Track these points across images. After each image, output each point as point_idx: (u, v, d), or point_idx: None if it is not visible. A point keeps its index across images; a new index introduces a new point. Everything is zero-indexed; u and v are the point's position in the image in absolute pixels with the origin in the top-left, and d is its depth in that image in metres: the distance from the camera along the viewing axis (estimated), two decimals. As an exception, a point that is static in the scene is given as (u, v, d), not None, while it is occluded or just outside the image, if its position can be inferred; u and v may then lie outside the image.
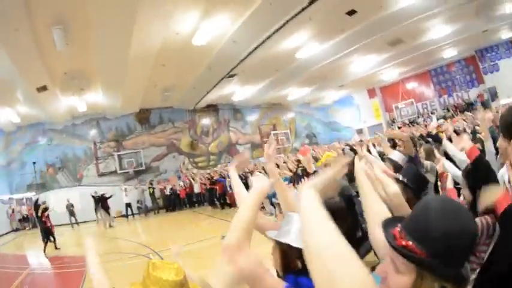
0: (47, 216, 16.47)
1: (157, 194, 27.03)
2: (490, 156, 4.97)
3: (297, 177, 11.55)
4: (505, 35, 23.70)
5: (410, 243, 1.35)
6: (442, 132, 9.78)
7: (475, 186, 3.14)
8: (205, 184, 23.30)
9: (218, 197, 21.73)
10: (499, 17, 19.28)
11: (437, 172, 5.62)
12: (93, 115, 27.06)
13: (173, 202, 25.68)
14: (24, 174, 25.76)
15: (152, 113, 29.70)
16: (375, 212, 1.99)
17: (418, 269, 1.33)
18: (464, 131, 10.30)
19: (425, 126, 17.45)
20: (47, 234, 15.53)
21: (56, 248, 15.57)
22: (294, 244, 1.99)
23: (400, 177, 3.53)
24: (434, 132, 11.94)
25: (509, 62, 24.90)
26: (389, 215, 1.92)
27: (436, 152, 6.56)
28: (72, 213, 23.10)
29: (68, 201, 23.13)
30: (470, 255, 1.43)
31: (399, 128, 23.60)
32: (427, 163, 5.67)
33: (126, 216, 24.42)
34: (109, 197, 22.53)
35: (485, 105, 23.79)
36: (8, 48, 13.68)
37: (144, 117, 29.48)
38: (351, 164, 2.20)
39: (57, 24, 13.27)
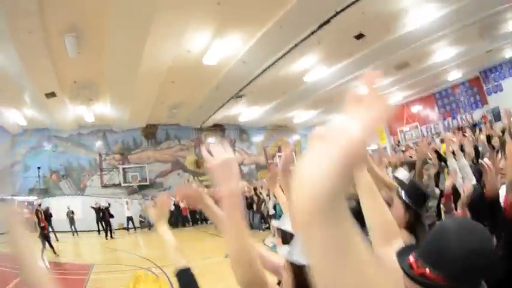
0: (47, 221, 16.57)
1: (160, 210, 26.89)
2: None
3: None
4: (508, 53, 23.58)
5: (427, 270, 1.36)
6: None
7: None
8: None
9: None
10: (503, 35, 19.24)
11: (440, 195, 5.69)
12: (100, 126, 27.18)
13: (176, 218, 25.55)
14: (27, 178, 25.81)
15: (159, 128, 29.83)
16: (380, 223, 1.85)
17: None
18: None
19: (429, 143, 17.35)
20: (44, 239, 15.59)
21: (55, 253, 15.64)
22: (299, 263, 1.99)
23: (403, 196, 3.60)
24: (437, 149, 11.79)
25: (512, 81, 24.90)
26: (394, 224, 1.89)
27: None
28: (72, 221, 23.14)
29: (68, 209, 23.16)
30: (488, 274, 1.39)
31: (403, 151, 23.59)
32: (432, 187, 5.70)
33: (127, 229, 24.46)
34: (106, 207, 22.66)
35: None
36: (20, 50, 13.78)
37: (150, 133, 29.60)
38: None
39: (70, 32, 13.42)
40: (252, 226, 18.60)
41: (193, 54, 16.58)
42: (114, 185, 27.80)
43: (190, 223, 25.59)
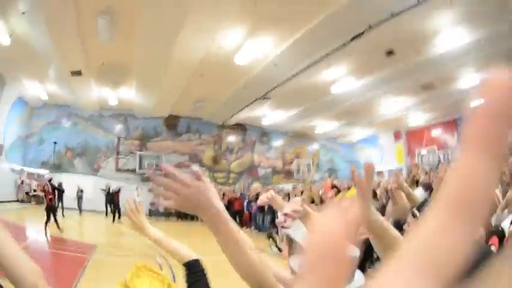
0: (58, 196, 16.69)
1: (171, 200, 26.87)
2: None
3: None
4: None
5: None
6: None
7: None
8: (222, 199, 23.25)
9: (234, 214, 21.67)
10: None
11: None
12: (122, 110, 27.39)
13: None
14: (41, 151, 26.18)
15: (181, 120, 29.93)
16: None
17: None
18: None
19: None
20: (50, 212, 15.63)
21: (59, 228, 15.69)
22: None
23: (415, 211, 3.58)
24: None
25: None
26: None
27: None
28: (79, 200, 23.25)
29: (78, 187, 23.34)
30: None
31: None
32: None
33: (135, 215, 24.49)
34: (117, 191, 22.74)
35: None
36: (50, 25, 14.04)
37: (172, 123, 29.70)
38: None
39: (104, 14, 13.54)
40: (260, 228, 18.48)
41: (224, 51, 16.69)
42: (129, 170, 27.98)
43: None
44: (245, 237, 1.63)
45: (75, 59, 17.35)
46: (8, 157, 23.68)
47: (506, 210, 4.97)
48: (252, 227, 19.27)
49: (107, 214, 22.97)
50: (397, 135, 33.35)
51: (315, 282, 0.47)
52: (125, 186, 24.26)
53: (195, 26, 13.88)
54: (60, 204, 20.30)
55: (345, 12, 13.09)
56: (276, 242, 13.74)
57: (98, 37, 14.89)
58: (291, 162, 34.35)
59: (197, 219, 24.36)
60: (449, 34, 15.15)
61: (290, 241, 2.50)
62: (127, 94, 23.31)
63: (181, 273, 2.21)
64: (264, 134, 33.79)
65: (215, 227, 1.42)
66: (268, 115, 28.27)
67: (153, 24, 13.90)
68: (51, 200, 16.15)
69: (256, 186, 26.04)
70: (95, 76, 20.13)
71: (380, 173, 32.69)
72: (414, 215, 3.35)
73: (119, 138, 28.28)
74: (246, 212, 20.22)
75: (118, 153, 28.20)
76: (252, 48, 16.14)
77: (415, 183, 10.44)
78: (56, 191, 19.12)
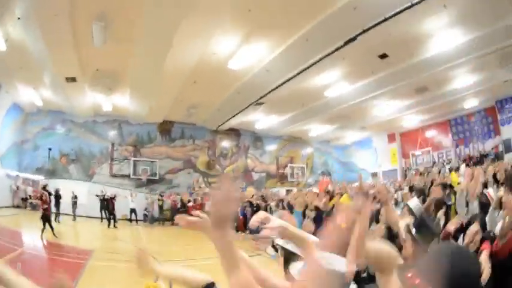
0: (56, 203, 16.71)
1: (166, 206, 26.97)
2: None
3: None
4: None
5: (420, 281, 1.55)
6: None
7: None
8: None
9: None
10: None
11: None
12: (116, 117, 27.50)
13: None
14: (36, 157, 26.16)
15: (175, 126, 30.02)
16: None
17: None
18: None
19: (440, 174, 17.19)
20: (45, 221, 15.68)
21: (54, 235, 15.71)
22: None
23: (412, 231, 3.65)
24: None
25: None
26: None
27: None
28: (74, 206, 23.23)
29: (72, 193, 23.28)
30: None
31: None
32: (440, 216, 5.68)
33: (130, 220, 24.55)
34: (113, 198, 22.76)
35: (499, 157, 23.42)
36: (45, 32, 14.07)
37: (166, 129, 29.77)
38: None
39: (98, 20, 13.56)
40: (255, 233, 18.48)
41: (218, 57, 16.73)
42: (123, 176, 28.04)
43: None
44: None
45: (70, 65, 17.33)
46: (3, 163, 23.60)
47: (500, 213, 5.06)
48: (247, 231, 19.30)
49: (102, 220, 22.95)
50: (391, 137, 33.50)
51: None
52: (119, 192, 24.30)
53: (189, 33, 13.92)
54: (56, 210, 20.34)
55: (338, 16, 13.16)
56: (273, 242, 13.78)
57: (92, 44, 14.91)
58: (285, 166, 34.43)
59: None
60: (443, 36, 15.22)
61: (285, 252, 2.57)
62: (121, 100, 23.30)
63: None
64: (258, 139, 33.91)
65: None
66: (262, 120, 28.38)
67: (147, 31, 13.94)
68: (46, 210, 16.17)
69: (250, 190, 26.12)
70: (89, 82, 20.10)
71: (375, 175, 32.88)
72: (409, 231, 3.45)
73: (112, 144, 28.24)
74: (240, 216, 20.24)
75: (112, 159, 28.14)
76: (245, 54, 16.19)
77: (411, 188, 10.57)
78: (54, 198, 19.19)
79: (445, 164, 27.87)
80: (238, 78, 18.95)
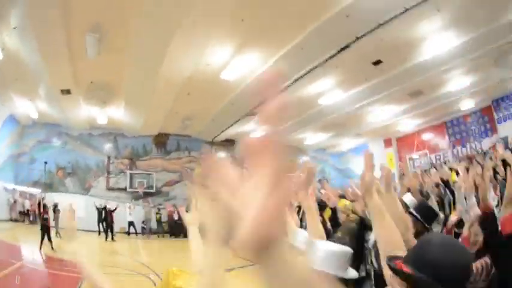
0: (54, 217, 16.65)
1: (163, 218, 26.97)
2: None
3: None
4: None
5: (406, 266, 1.58)
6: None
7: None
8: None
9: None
10: None
11: (443, 224, 5.71)
12: (111, 129, 27.35)
13: (179, 228, 25.38)
14: (32, 170, 26.04)
15: (170, 138, 29.94)
16: (388, 249, 2.10)
17: (409, 286, 1.51)
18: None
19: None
20: (45, 231, 15.65)
21: (52, 249, 15.66)
22: (317, 268, 2.15)
23: (412, 211, 3.71)
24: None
25: (523, 109, 24.67)
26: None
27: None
28: (71, 217, 23.09)
29: (69, 206, 23.08)
30: (461, 283, 1.58)
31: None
32: (441, 215, 5.72)
33: (128, 233, 24.48)
34: (113, 210, 22.70)
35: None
36: (41, 44, 14.01)
37: (161, 142, 29.72)
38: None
39: (92, 32, 13.56)
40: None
41: (212, 68, 16.70)
42: (120, 189, 27.91)
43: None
44: None
45: (65, 77, 17.25)
46: (0, 176, 23.55)
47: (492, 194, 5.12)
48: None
49: (99, 233, 22.89)
50: (387, 143, 33.52)
51: None
52: (118, 205, 24.24)
53: (183, 44, 13.90)
54: (56, 224, 20.29)
55: (332, 24, 13.16)
56: None
57: (86, 56, 14.91)
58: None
59: (188, 237, 24.32)
60: (436, 40, 15.22)
61: None
62: (116, 113, 23.25)
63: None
64: (253, 149, 33.67)
65: None
66: (257, 130, 28.18)
67: (141, 43, 13.92)
68: (46, 220, 16.16)
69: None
70: (83, 95, 20.05)
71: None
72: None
73: (109, 158, 28.21)
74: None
75: (108, 172, 28.12)
76: (239, 64, 16.16)
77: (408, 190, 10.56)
78: (52, 212, 19.18)
79: (442, 164, 27.94)
80: (233, 89, 18.91)
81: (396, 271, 1.59)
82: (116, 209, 23.12)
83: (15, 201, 24.66)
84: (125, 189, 27.95)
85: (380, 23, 13.22)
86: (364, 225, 4.14)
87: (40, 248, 14.91)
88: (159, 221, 26.73)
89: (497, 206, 5.64)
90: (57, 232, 19.90)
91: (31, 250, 15.07)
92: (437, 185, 9.10)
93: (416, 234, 3.27)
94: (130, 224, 24.56)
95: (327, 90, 20.12)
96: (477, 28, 14.49)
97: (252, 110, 21.68)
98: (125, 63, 15.89)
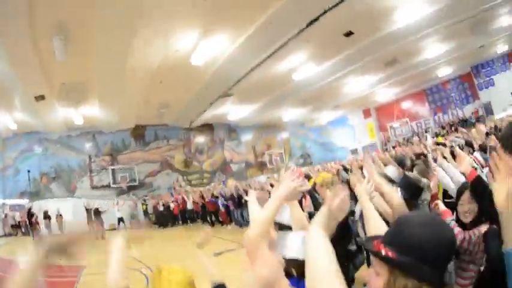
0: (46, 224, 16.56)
1: (150, 210, 26.87)
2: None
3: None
4: (500, 49, 23.81)
5: (385, 247, 1.52)
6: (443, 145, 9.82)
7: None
8: (197, 203, 23.18)
9: (210, 214, 21.68)
10: (495, 31, 19.49)
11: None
12: (89, 128, 26.99)
13: (166, 218, 25.48)
14: (18, 181, 25.77)
15: (147, 129, 29.80)
16: (377, 228, 2.20)
17: (390, 268, 1.47)
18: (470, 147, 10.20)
19: (421, 143, 17.32)
20: None
21: None
22: (289, 256, 2.18)
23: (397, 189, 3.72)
24: (430, 150, 11.72)
25: (505, 76, 24.95)
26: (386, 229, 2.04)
27: (432, 166, 6.54)
28: (60, 224, 22.95)
29: (57, 211, 23.01)
30: (445, 261, 1.55)
31: (393, 147, 23.48)
32: (424, 180, 5.75)
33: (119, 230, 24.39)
34: (102, 212, 22.59)
35: (480, 121, 23.72)
36: (9, 54, 13.76)
37: (139, 134, 29.54)
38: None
39: (58, 34, 13.32)
40: (241, 224, 18.38)
41: (181, 54, 16.44)
42: (104, 186, 27.72)
43: (180, 222, 25.23)
44: None
45: (37, 83, 16.87)
46: (-13, 192, 23.35)
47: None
48: (233, 223, 19.26)
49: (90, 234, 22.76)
50: (366, 113, 33.73)
51: None
52: (103, 205, 24.09)
53: (148, 33, 13.68)
54: (49, 231, 20.22)
55: (297, -1, 13.16)
56: None
57: (55, 58, 14.65)
58: (263, 154, 34.52)
59: (175, 225, 24.38)
60: (409, 8, 15.16)
61: (279, 226, 2.68)
62: (91, 111, 22.92)
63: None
64: (232, 130, 33.84)
65: None
66: (233, 111, 28.20)
67: (105, 38, 13.63)
68: (36, 228, 16.05)
69: (231, 182, 26.11)
70: (57, 98, 19.70)
71: (354, 151, 33.15)
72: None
73: (89, 157, 27.97)
74: (222, 210, 20.21)
75: (91, 171, 27.89)
76: (207, 47, 15.87)
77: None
78: (43, 220, 19.07)
79: (425, 132, 28.20)
80: (204, 72, 18.66)
81: (376, 254, 1.55)
82: (105, 211, 22.98)
83: (6, 216, 24.41)
84: (108, 185, 27.78)
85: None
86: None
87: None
88: (145, 212, 26.62)
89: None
90: None
91: (24, 262, 14.96)
92: (418, 156, 9.20)
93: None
94: (120, 220, 24.46)
95: (300, 65, 19.98)
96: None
97: (225, 92, 21.62)
98: (94, 61, 15.60)
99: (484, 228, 3.01)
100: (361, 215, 5.61)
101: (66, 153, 27.31)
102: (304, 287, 1.63)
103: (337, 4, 13.56)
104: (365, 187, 2.69)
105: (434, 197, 4.99)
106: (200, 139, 31.97)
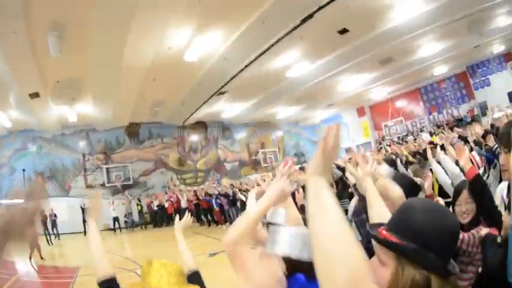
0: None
1: (144, 209, 26.84)
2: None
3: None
4: (496, 49, 23.77)
5: (391, 234, 1.48)
6: (435, 146, 9.82)
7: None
8: (191, 201, 23.18)
9: (204, 213, 21.68)
10: (491, 31, 19.48)
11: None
12: (83, 126, 26.89)
13: (160, 217, 25.44)
14: (13, 181, 25.61)
15: (141, 127, 29.67)
16: (380, 214, 2.12)
17: (397, 256, 1.43)
18: (465, 142, 10.20)
19: (416, 142, 17.39)
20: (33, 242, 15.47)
21: (41, 258, 15.50)
22: (280, 253, 2.13)
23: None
24: (424, 147, 11.78)
25: (500, 76, 24.90)
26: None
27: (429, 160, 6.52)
28: (54, 224, 22.85)
29: (51, 211, 22.91)
30: (450, 250, 1.51)
31: (388, 145, 23.50)
32: (418, 179, 5.73)
33: (114, 230, 24.36)
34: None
35: (476, 120, 23.79)
36: (4, 51, 13.66)
37: (133, 132, 29.44)
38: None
39: (52, 31, 13.26)
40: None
41: (174, 51, 16.40)
42: (98, 186, 27.62)
43: (175, 222, 25.01)
44: None
45: (32, 80, 16.78)
46: (-17, 192, 23.21)
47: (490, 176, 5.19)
48: (228, 223, 19.26)
49: (85, 233, 22.62)
50: (360, 112, 33.77)
51: None
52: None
53: (141, 30, 13.55)
54: (46, 232, 20.19)
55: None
56: None
57: (49, 55, 14.57)
58: (257, 153, 34.52)
59: (170, 225, 24.31)
60: (405, 6, 15.12)
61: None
62: (85, 109, 22.88)
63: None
64: (226, 129, 33.80)
65: None
66: (227, 109, 28.19)
67: (99, 35, 13.54)
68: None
69: (225, 181, 26.10)
70: (51, 95, 19.62)
71: (349, 150, 33.17)
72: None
73: (84, 155, 27.87)
74: (216, 209, 20.23)
75: (85, 170, 27.78)
76: (201, 44, 15.83)
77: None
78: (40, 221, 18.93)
79: (420, 131, 28.23)
80: (197, 70, 18.66)
81: (380, 240, 1.52)
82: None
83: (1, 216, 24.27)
84: (103, 184, 27.65)
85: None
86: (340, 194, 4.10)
87: (30, 258, 14.71)
88: (140, 212, 26.57)
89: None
90: (47, 240, 19.89)
91: (25, 263, 14.89)
92: (414, 154, 9.20)
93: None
94: (115, 219, 24.42)
95: (294, 63, 19.94)
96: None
97: (219, 90, 21.58)
98: (88, 58, 15.50)
99: (483, 231, 2.98)
100: (354, 213, 5.59)
101: (60, 152, 27.17)
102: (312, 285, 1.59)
103: (331, 1, 13.49)
104: (369, 168, 2.71)
105: (429, 198, 4.97)
106: (194, 137, 31.93)
